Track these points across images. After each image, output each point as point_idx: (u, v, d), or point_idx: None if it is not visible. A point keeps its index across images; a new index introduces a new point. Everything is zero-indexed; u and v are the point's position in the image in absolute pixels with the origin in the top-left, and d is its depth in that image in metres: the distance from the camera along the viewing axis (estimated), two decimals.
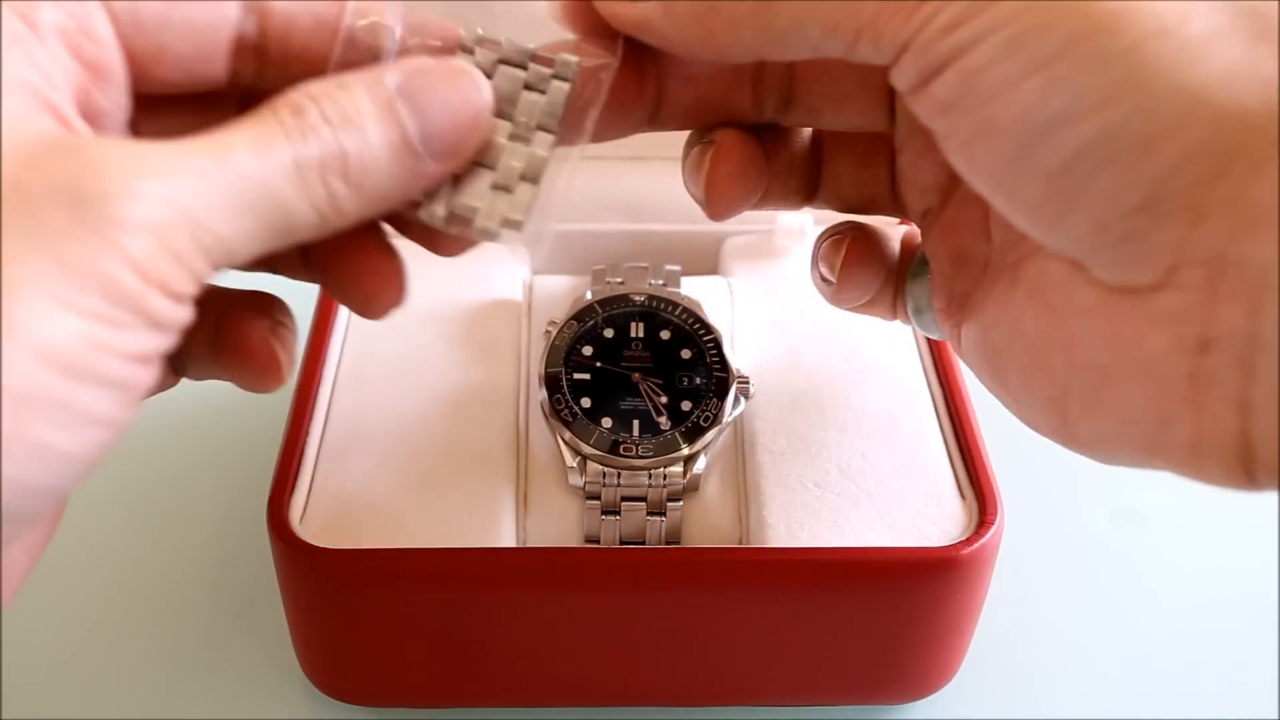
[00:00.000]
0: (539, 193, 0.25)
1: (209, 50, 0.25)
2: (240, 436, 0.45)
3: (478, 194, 0.25)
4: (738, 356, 0.36)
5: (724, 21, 0.24)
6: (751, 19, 0.23)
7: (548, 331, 0.36)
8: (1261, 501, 0.44)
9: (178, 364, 0.27)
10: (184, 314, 0.21)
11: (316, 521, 0.33)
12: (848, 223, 0.31)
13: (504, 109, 0.25)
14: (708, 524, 0.35)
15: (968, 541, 0.32)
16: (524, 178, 0.25)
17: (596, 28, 0.26)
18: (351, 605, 0.33)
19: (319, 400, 0.37)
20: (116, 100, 0.24)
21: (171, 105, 0.25)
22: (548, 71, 0.25)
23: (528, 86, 0.25)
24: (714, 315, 0.37)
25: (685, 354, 0.36)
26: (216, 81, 0.25)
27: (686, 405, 0.35)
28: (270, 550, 0.33)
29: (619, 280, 0.38)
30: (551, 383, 0.35)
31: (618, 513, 0.34)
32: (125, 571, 0.41)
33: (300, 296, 0.39)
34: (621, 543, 0.34)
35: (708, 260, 0.44)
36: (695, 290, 0.39)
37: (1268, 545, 0.42)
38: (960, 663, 0.36)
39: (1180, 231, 0.20)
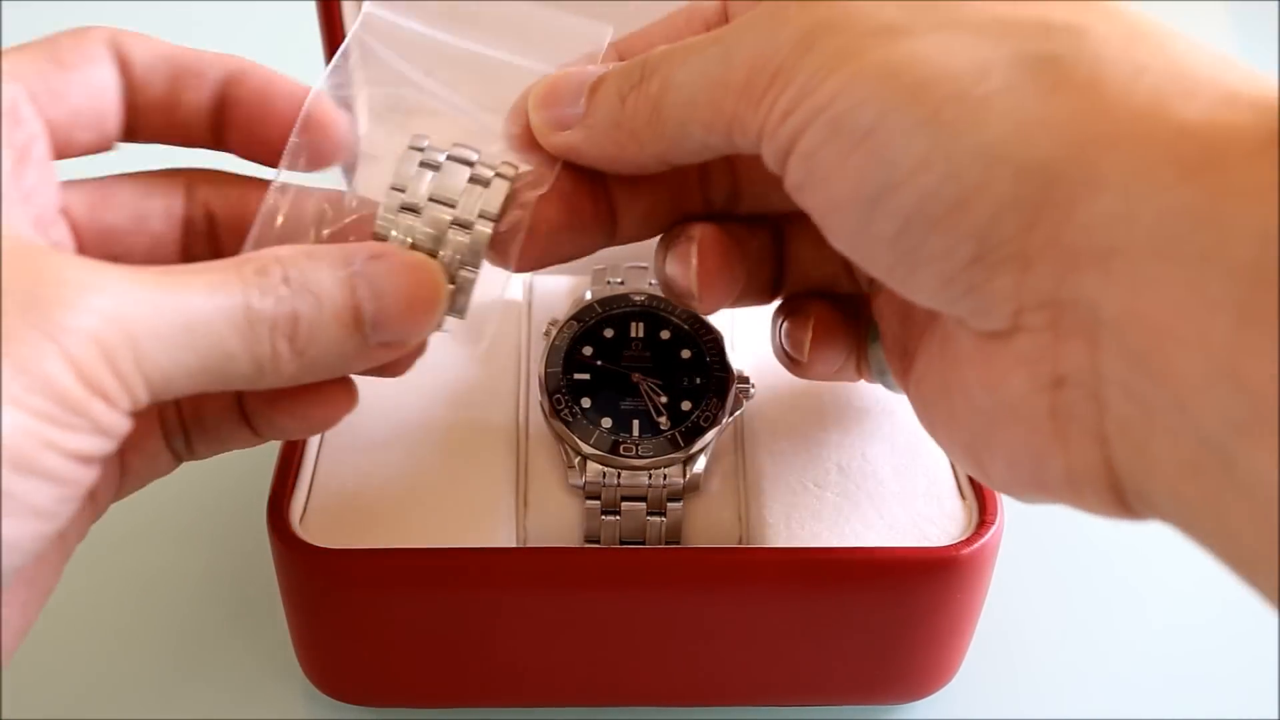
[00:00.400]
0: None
1: (97, 110, 0.27)
2: None
3: None
4: (738, 356, 0.36)
5: (629, 135, 0.26)
6: (648, 129, 0.26)
7: (548, 331, 0.36)
8: None
9: (185, 447, 0.28)
10: (126, 425, 0.22)
11: (316, 521, 0.33)
12: (807, 297, 0.32)
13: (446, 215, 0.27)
14: (708, 524, 0.35)
15: (968, 541, 0.32)
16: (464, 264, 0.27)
17: (538, 155, 0.28)
18: (351, 605, 0.33)
19: None
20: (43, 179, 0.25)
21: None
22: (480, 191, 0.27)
23: (456, 223, 0.27)
24: (714, 315, 0.37)
25: (685, 354, 0.36)
26: (107, 136, 0.27)
27: (686, 405, 0.35)
28: (270, 550, 0.33)
29: (619, 280, 0.38)
30: (551, 383, 0.35)
31: (618, 512, 0.34)
32: (125, 571, 0.41)
33: None
34: (621, 542, 0.34)
35: None
36: None
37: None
38: (960, 663, 0.36)
39: (1013, 278, 0.21)
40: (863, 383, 0.37)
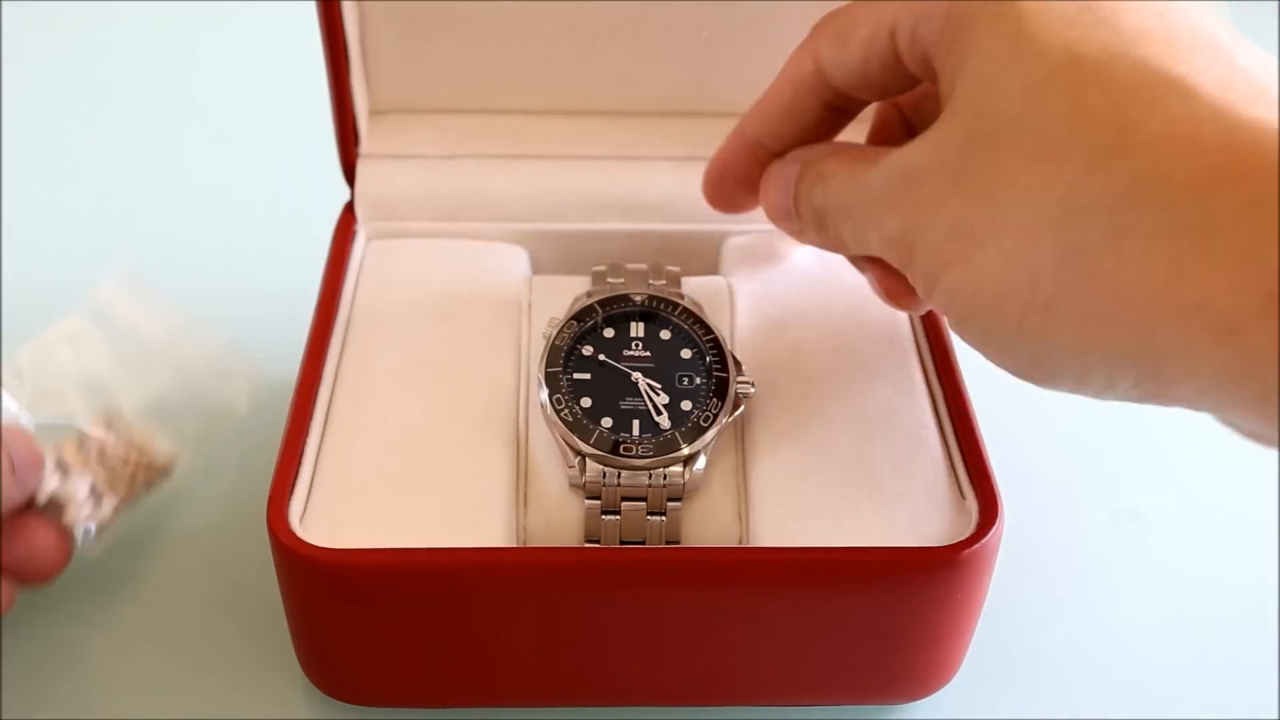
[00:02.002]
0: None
1: None
2: (240, 436, 0.45)
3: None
4: (738, 356, 0.36)
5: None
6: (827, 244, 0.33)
7: (548, 331, 0.36)
8: (1262, 501, 0.44)
9: None
10: None
11: (316, 521, 0.33)
12: None
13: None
14: (708, 524, 0.35)
15: (968, 541, 0.32)
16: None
17: None
18: (351, 605, 0.33)
19: (319, 400, 0.37)
20: None
21: None
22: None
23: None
24: (714, 315, 0.37)
25: (685, 354, 0.36)
26: None
27: (686, 405, 0.35)
28: (270, 550, 0.33)
29: (619, 280, 0.38)
30: (551, 383, 0.35)
31: (618, 512, 0.34)
32: (124, 571, 0.41)
33: (300, 296, 0.40)
34: (621, 542, 0.34)
35: (708, 260, 0.44)
36: (695, 290, 0.39)
37: (1268, 545, 0.42)
38: (960, 663, 0.36)
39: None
40: (863, 382, 0.38)
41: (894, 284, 0.33)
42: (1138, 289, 0.23)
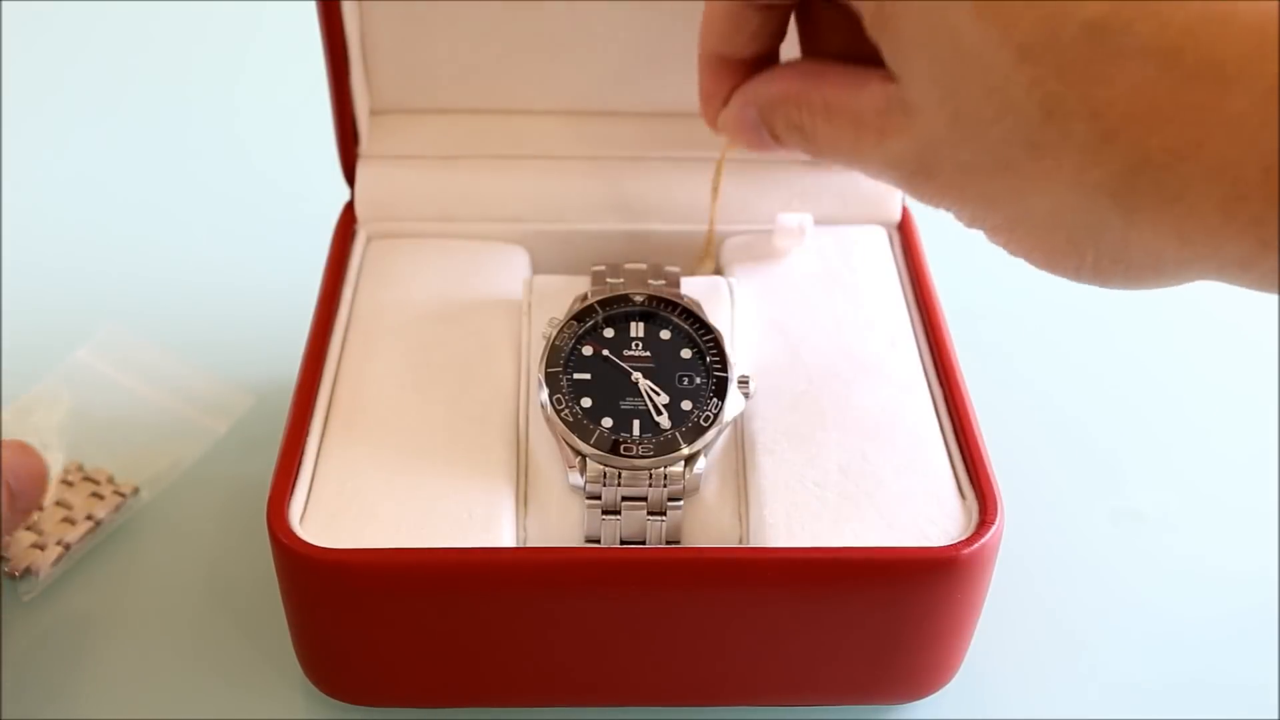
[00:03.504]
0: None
1: None
2: (240, 436, 0.45)
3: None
4: (738, 356, 0.36)
5: None
6: None
7: (548, 331, 0.36)
8: (1262, 501, 0.44)
9: None
10: None
11: (316, 521, 0.33)
12: None
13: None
14: (708, 524, 0.35)
15: (968, 541, 0.32)
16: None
17: None
18: (351, 605, 0.33)
19: (319, 400, 0.37)
20: None
21: None
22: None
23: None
24: (714, 315, 0.37)
25: (685, 354, 0.36)
26: None
27: (686, 405, 0.35)
28: (270, 550, 0.33)
29: (619, 280, 0.38)
30: (551, 383, 0.35)
31: (618, 513, 0.34)
32: (124, 571, 0.41)
33: (300, 298, 0.39)
34: (622, 543, 0.34)
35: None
36: (695, 290, 0.39)
37: (1268, 545, 0.42)
38: (960, 663, 0.36)
39: None
40: (863, 382, 0.38)
41: None
42: (1160, 253, 0.26)
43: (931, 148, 0.28)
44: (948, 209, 0.29)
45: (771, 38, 0.34)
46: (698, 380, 0.35)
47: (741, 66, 0.34)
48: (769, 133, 0.33)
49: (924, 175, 0.29)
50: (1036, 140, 0.26)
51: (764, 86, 0.33)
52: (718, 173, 0.40)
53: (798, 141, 0.33)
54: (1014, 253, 0.29)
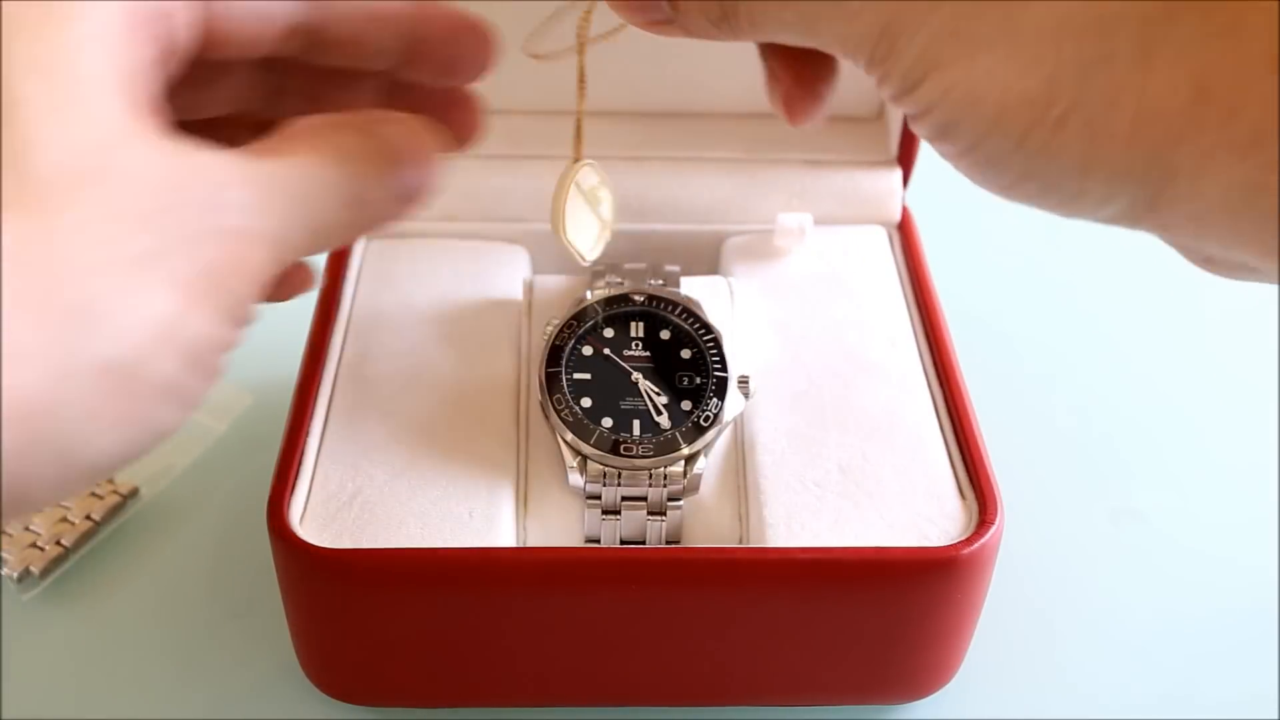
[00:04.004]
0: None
1: (272, 30, 0.27)
2: (240, 436, 0.45)
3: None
4: (738, 356, 0.36)
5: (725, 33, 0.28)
6: (741, 34, 0.28)
7: (547, 331, 0.36)
8: (1262, 501, 0.44)
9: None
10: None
11: (316, 521, 0.33)
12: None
13: None
14: (708, 524, 0.35)
15: (968, 541, 0.32)
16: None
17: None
18: (351, 605, 0.33)
19: (319, 400, 0.37)
20: (171, 72, 0.25)
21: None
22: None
23: None
24: (714, 315, 0.37)
25: (685, 354, 0.36)
26: (257, 57, 0.27)
27: (686, 405, 0.35)
28: (270, 550, 0.33)
29: (619, 280, 0.38)
30: (551, 383, 0.35)
31: (618, 514, 0.34)
32: (124, 571, 0.41)
33: (300, 297, 0.39)
34: (621, 543, 0.34)
35: (708, 260, 0.44)
36: (695, 290, 0.39)
37: (1268, 545, 0.42)
38: (960, 663, 0.36)
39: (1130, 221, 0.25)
40: (863, 382, 0.38)
41: (797, 86, 0.30)
42: (1162, 105, 0.22)
43: None
44: (918, 82, 0.25)
45: None
46: (698, 380, 0.35)
47: None
48: None
49: (900, 39, 0.25)
50: None
51: None
52: (580, 51, 0.33)
53: (703, 3, 0.28)
54: (952, 94, 0.24)
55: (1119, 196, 0.24)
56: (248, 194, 0.22)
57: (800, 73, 0.30)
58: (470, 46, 0.30)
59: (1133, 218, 0.24)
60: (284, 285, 0.27)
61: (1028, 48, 0.23)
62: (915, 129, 0.26)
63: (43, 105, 0.20)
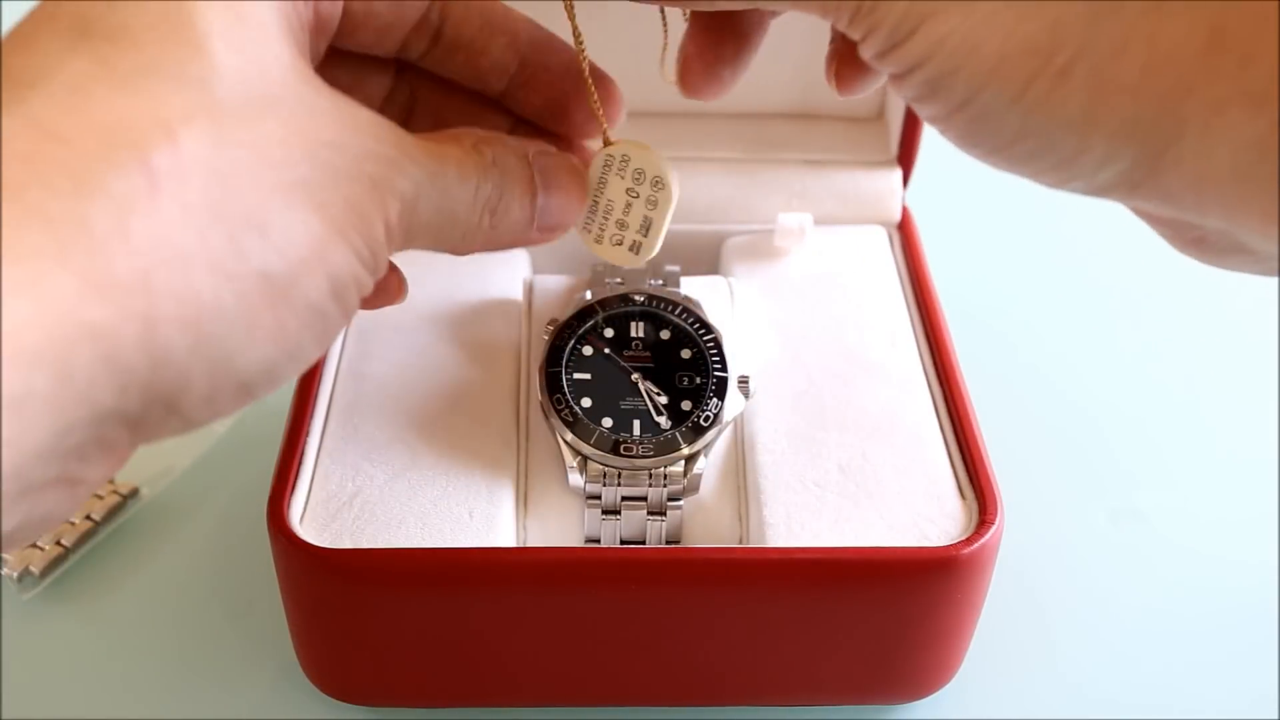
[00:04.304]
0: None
1: (402, 22, 0.29)
2: (240, 436, 0.45)
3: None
4: (738, 356, 0.36)
5: None
6: None
7: (548, 331, 0.36)
8: (1262, 501, 0.44)
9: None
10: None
11: (316, 521, 0.33)
12: None
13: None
14: (708, 524, 0.35)
15: (968, 541, 0.32)
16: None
17: None
18: (351, 605, 0.33)
19: (319, 400, 0.37)
20: (318, 48, 0.27)
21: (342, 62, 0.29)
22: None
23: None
24: (714, 315, 0.37)
25: (685, 354, 0.36)
26: (390, 51, 0.29)
27: (686, 405, 0.35)
28: (270, 550, 0.33)
29: (619, 280, 0.38)
30: (551, 383, 0.35)
31: (618, 514, 0.34)
32: (125, 571, 0.41)
33: None
34: (621, 543, 0.34)
35: (708, 260, 0.44)
36: (695, 290, 0.39)
37: (1268, 545, 0.42)
38: (960, 663, 0.36)
39: (1121, 194, 0.24)
40: (863, 382, 0.38)
41: (704, 52, 0.30)
42: (1174, 52, 0.21)
43: None
44: (910, 33, 0.24)
45: None
46: (698, 380, 0.35)
47: None
48: None
49: None
50: None
51: None
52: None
53: None
54: (947, 43, 0.23)
55: (1120, 156, 0.22)
56: (394, 152, 0.24)
57: (707, 45, 0.30)
58: (578, 88, 0.31)
59: (1131, 183, 0.23)
60: (379, 292, 0.29)
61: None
62: (898, 89, 0.25)
63: (227, 38, 0.22)
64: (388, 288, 0.30)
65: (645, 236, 0.31)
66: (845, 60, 0.29)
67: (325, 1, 0.26)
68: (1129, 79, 0.22)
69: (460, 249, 0.27)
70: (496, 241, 0.28)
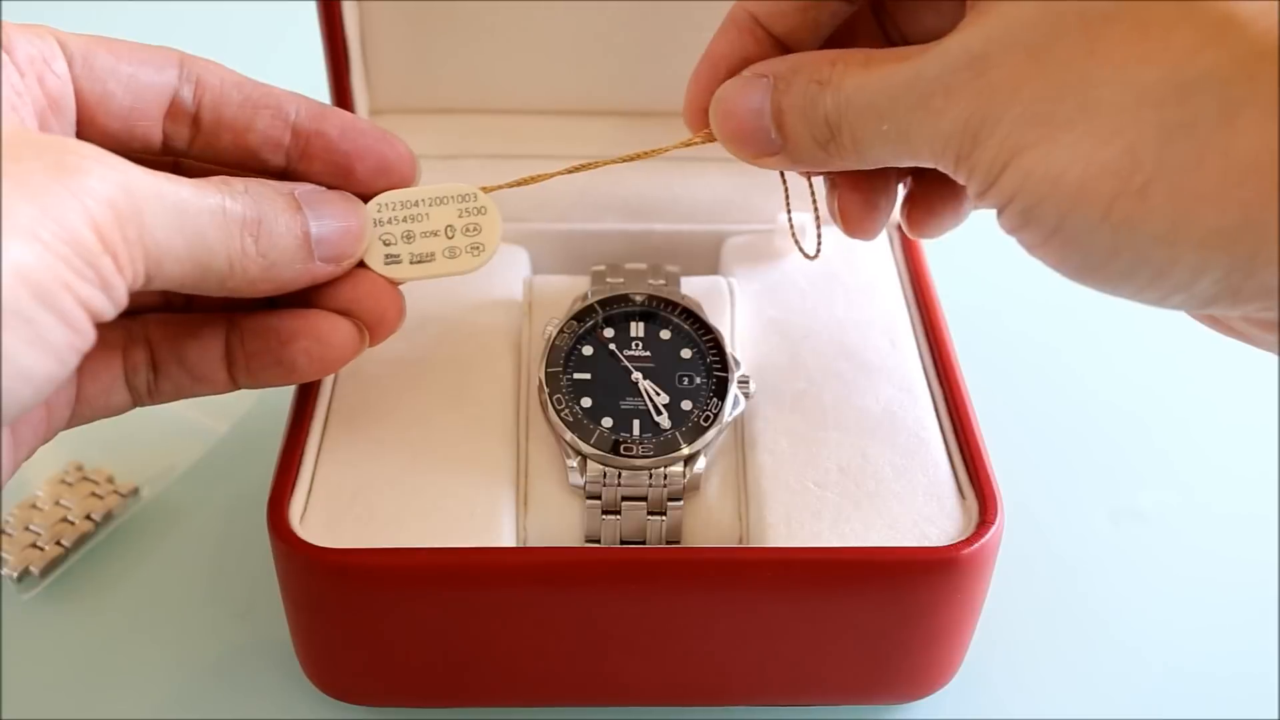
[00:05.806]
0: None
1: (147, 106, 0.29)
2: (241, 436, 0.45)
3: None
4: (738, 356, 0.36)
5: (833, 157, 0.30)
6: (846, 158, 0.30)
7: (548, 331, 0.36)
8: (1261, 501, 0.44)
9: (148, 385, 0.31)
10: (124, 295, 0.24)
11: (316, 521, 0.33)
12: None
13: None
14: (708, 524, 0.35)
15: (968, 541, 0.32)
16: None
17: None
18: (351, 605, 0.33)
19: (319, 400, 0.37)
20: (64, 133, 0.28)
21: None
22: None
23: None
24: (714, 315, 0.37)
25: (685, 354, 0.36)
26: (151, 142, 0.30)
27: (686, 405, 0.35)
28: (270, 550, 0.33)
29: (619, 280, 0.38)
30: (551, 383, 0.35)
31: (618, 513, 0.34)
32: (125, 571, 0.41)
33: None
34: (622, 542, 0.34)
35: (708, 260, 0.44)
36: (695, 290, 0.39)
37: (1268, 545, 0.42)
38: (960, 663, 0.36)
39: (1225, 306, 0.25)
40: (863, 382, 0.38)
41: (860, 207, 0.33)
42: (1251, 162, 0.22)
43: (1000, 94, 0.25)
44: (1001, 169, 0.26)
45: (821, 27, 0.31)
46: (698, 380, 0.35)
47: (767, 39, 0.31)
48: (774, 116, 0.30)
49: (982, 130, 0.26)
50: (1149, 16, 0.24)
51: (781, 61, 0.30)
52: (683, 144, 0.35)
53: (810, 125, 0.29)
54: (1034, 175, 0.25)
55: (1214, 263, 0.23)
56: (92, 155, 0.24)
57: (860, 188, 0.33)
58: (370, 148, 0.32)
59: (1232, 289, 0.24)
60: (379, 321, 0.31)
61: (1107, 121, 0.24)
62: (1002, 225, 0.27)
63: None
64: (384, 317, 0.32)
65: (480, 235, 0.32)
66: (918, 204, 0.33)
67: (51, 78, 0.27)
68: (1208, 190, 0.23)
69: (238, 283, 0.28)
70: (276, 274, 0.28)
